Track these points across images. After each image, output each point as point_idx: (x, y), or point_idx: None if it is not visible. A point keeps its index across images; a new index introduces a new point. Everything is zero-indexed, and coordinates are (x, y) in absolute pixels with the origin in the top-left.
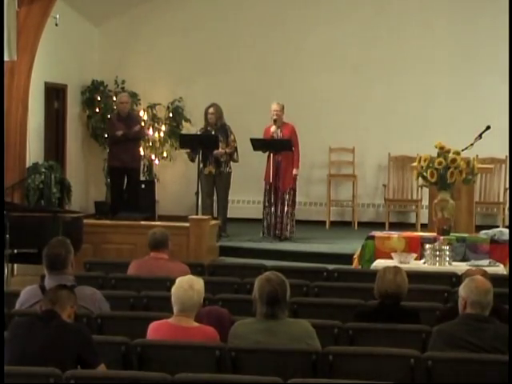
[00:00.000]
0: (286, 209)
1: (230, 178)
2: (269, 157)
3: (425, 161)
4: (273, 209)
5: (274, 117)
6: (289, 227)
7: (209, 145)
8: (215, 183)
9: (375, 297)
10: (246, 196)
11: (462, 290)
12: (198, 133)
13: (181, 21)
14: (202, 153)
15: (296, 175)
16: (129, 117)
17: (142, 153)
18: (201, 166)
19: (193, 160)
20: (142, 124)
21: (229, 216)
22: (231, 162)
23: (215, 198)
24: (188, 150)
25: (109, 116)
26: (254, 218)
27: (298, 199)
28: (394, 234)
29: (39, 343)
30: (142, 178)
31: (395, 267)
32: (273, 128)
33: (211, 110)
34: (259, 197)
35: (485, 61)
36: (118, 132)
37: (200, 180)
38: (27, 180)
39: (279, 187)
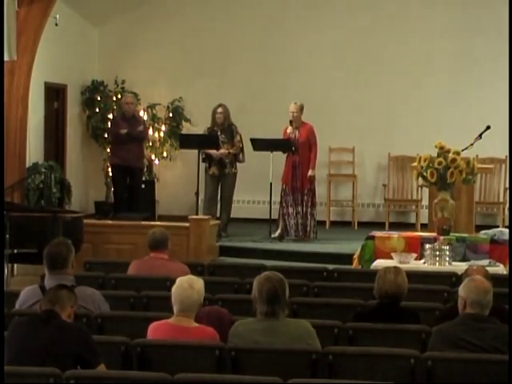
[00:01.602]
0: (305, 210)
1: (235, 178)
2: (288, 158)
3: (425, 161)
4: (290, 210)
5: (290, 118)
6: (309, 228)
7: (209, 145)
8: (220, 184)
9: (375, 297)
10: (248, 196)
11: (462, 290)
12: (206, 133)
13: (181, 21)
14: (206, 154)
15: (311, 176)
16: (133, 117)
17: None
18: (206, 165)
19: (203, 161)
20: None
21: (231, 216)
22: (236, 163)
23: (219, 198)
24: (203, 156)
25: (110, 116)
26: (256, 218)
27: None
28: (394, 234)
29: (39, 343)
30: (143, 178)
31: (396, 268)
32: (289, 129)
33: (220, 109)
34: (262, 197)
35: (485, 61)
36: (122, 130)
37: (205, 180)
38: (27, 180)
39: (297, 188)
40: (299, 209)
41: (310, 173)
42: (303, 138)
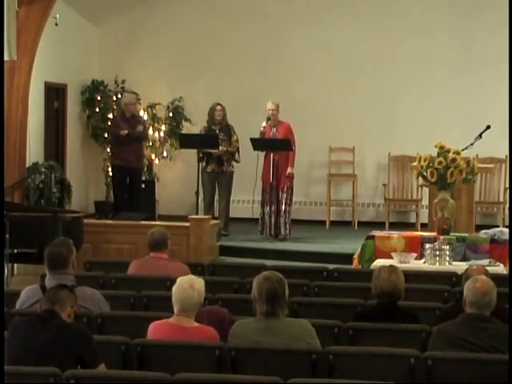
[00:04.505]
0: (283, 208)
1: (233, 177)
2: (267, 156)
3: (425, 160)
4: (272, 208)
5: (269, 115)
6: (287, 226)
7: (209, 144)
8: (218, 182)
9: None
10: (249, 196)
11: (464, 290)
12: (202, 132)
13: (181, 21)
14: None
15: (291, 173)
16: (133, 117)
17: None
18: (203, 164)
19: (200, 160)
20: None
21: (232, 216)
22: (233, 162)
23: (217, 197)
24: (201, 155)
25: (110, 115)
26: (254, 217)
27: (297, 199)
28: (394, 234)
29: (39, 343)
30: (143, 177)
31: (390, 266)
32: (264, 123)
33: (219, 107)
34: (259, 196)
35: (485, 60)
36: (122, 131)
37: (202, 178)
38: (27, 180)
39: (275, 186)
40: (277, 207)
41: (289, 170)
42: (281, 136)
